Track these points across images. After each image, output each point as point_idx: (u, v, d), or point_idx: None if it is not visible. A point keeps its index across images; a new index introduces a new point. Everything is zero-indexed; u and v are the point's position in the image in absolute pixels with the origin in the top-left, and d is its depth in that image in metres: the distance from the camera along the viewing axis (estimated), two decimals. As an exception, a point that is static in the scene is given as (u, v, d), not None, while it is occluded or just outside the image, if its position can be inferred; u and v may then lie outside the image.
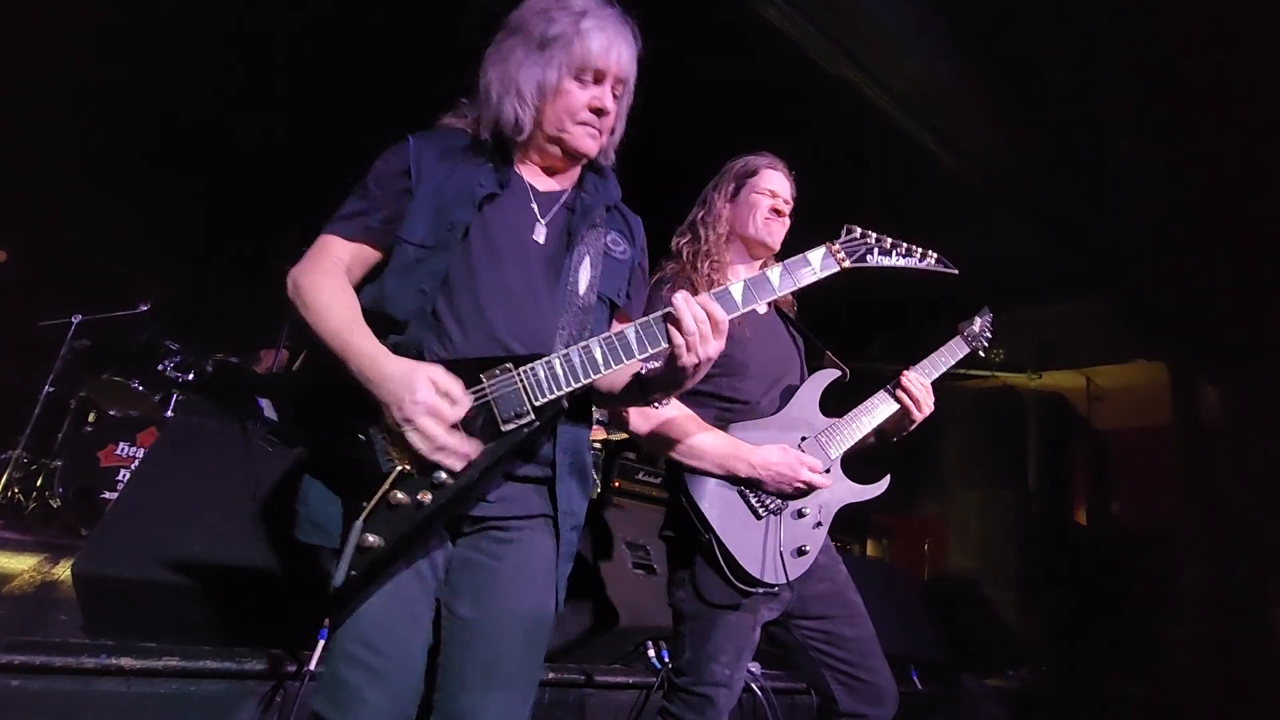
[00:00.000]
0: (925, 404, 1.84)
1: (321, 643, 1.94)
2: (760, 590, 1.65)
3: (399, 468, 1.13)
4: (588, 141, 1.34)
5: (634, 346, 1.19)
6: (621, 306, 1.41)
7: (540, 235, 1.33)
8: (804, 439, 1.77)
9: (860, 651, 1.77)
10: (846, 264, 1.39)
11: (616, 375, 1.25)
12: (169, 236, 5.84)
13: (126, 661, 1.70)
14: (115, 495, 3.74)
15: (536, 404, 1.16)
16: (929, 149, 4.69)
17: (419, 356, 1.20)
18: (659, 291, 1.77)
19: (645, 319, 1.21)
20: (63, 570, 2.85)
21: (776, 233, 1.95)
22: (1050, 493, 7.35)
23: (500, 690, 1.19)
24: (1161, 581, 6.41)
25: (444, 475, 1.12)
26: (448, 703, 1.19)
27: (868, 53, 4.06)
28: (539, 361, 1.17)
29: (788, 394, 1.86)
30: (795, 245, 1.97)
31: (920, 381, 1.85)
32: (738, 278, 1.92)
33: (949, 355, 2.01)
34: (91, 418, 4.48)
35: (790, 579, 1.67)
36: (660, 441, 1.66)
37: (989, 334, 2.13)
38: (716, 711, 1.64)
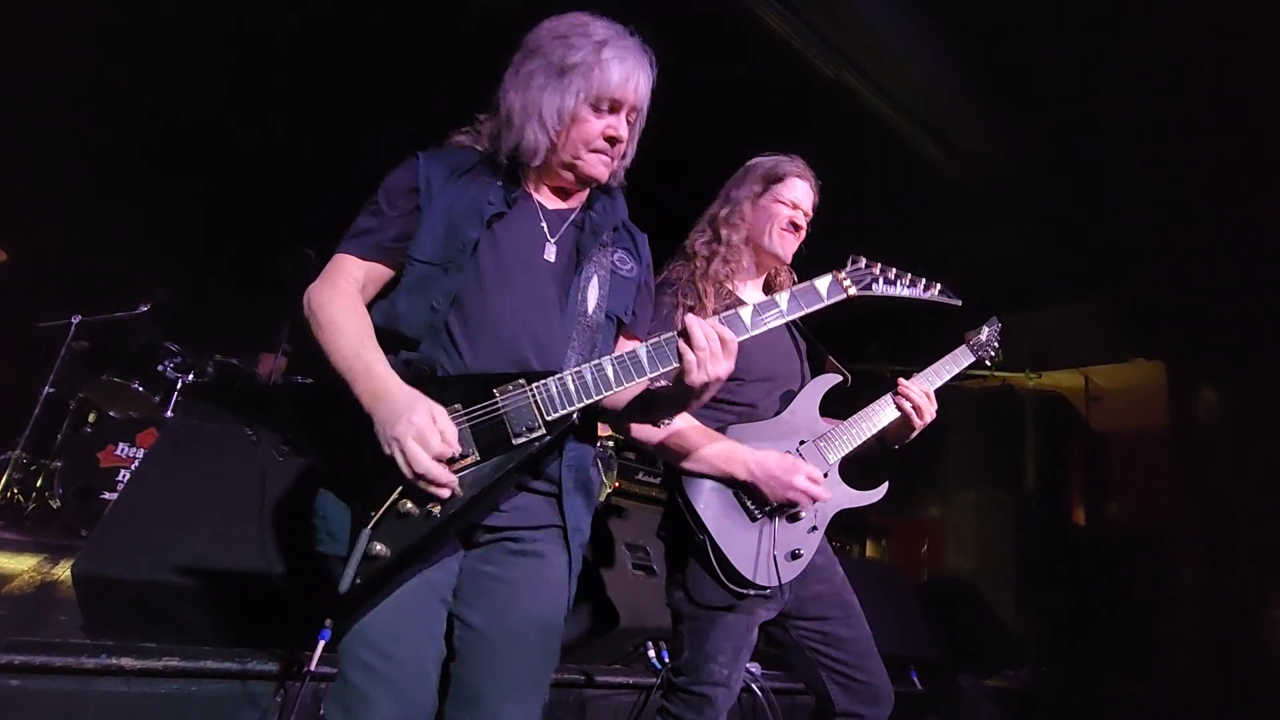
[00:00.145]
0: (926, 411, 1.82)
1: (322, 643, 1.94)
2: (752, 592, 1.65)
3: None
4: (600, 169, 1.37)
5: (645, 365, 1.21)
6: (628, 324, 1.43)
7: (550, 254, 1.35)
8: (803, 443, 1.78)
9: (857, 652, 1.78)
10: (853, 291, 1.44)
11: (622, 393, 1.27)
12: (169, 237, 5.84)
13: (127, 662, 1.70)
14: (115, 496, 3.74)
15: (549, 419, 1.18)
16: (928, 151, 4.70)
17: (431, 372, 1.22)
18: (663, 295, 1.77)
19: (657, 339, 1.23)
20: (62, 571, 2.85)
21: (790, 246, 1.94)
22: (1048, 493, 7.34)
23: (513, 701, 1.20)
24: (1160, 582, 6.40)
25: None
26: (460, 714, 1.19)
27: (867, 57, 4.06)
28: (552, 378, 1.19)
29: (788, 398, 1.86)
30: (798, 249, 1.99)
31: (921, 389, 1.84)
32: (744, 288, 1.94)
33: (953, 364, 1.99)
34: (91, 418, 4.49)
35: (783, 582, 1.67)
36: (657, 444, 1.66)
37: (996, 344, 2.11)
38: (715, 711, 1.65)
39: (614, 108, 1.34)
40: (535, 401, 1.18)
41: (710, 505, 1.67)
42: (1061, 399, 7.89)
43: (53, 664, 1.63)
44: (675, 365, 1.21)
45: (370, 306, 1.29)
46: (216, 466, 2.21)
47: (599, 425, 1.48)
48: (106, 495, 3.84)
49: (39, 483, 4.31)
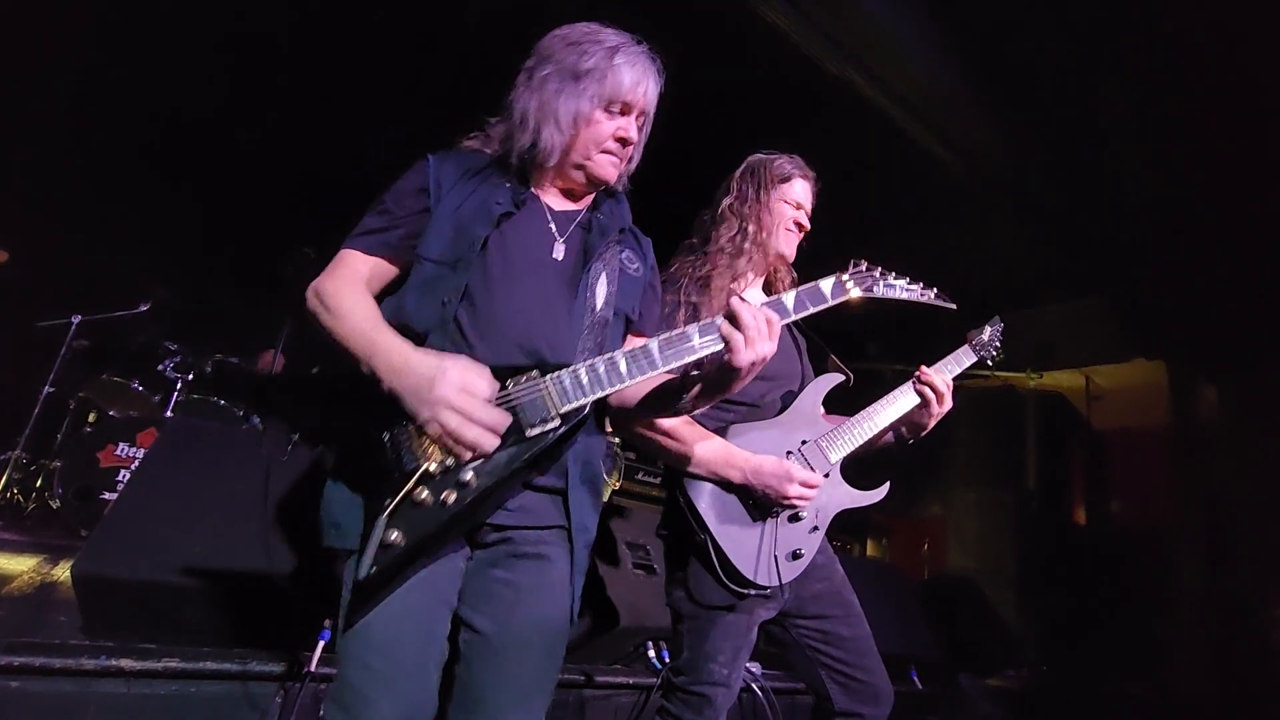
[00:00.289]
0: (946, 399, 1.83)
1: (322, 644, 1.95)
2: (753, 592, 1.65)
3: (424, 465, 1.14)
4: (610, 170, 1.41)
5: (657, 358, 1.22)
6: (635, 322, 1.45)
7: (559, 252, 1.37)
8: (804, 442, 1.77)
9: (857, 651, 1.77)
10: (856, 293, 1.48)
11: (633, 389, 1.29)
12: (169, 236, 5.83)
13: (126, 663, 1.70)
14: (115, 496, 3.74)
15: (562, 410, 1.18)
16: (930, 150, 4.69)
17: None
18: (664, 294, 1.75)
19: (675, 332, 1.24)
20: (62, 571, 2.85)
21: (794, 246, 1.96)
22: (1049, 493, 7.34)
23: (517, 707, 1.21)
24: (1160, 582, 6.40)
25: (469, 475, 1.13)
26: (466, 716, 1.19)
27: (869, 56, 4.06)
28: (565, 370, 1.20)
29: (789, 397, 1.86)
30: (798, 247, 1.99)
31: (941, 376, 1.85)
32: (747, 287, 1.94)
33: (955, 363, 1.99)
34: (91, 418, 4.50)
35: (783, 582, 1.67)
36: (653, 444, 1.66)
37: (998, 343, 2.11)
38: (714, 710, 1.65)
39: (624, 110, 1.39)
40: (548, 393, 1.18)
41: (711, 505, 1.66)
42: (1062, 399, 7.89)
43: (52, 665, 1.63)
44: (686, 360, 1.23)
45: (377, 303, 1.30)
46: (216, 466, 2.20)
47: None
48: (106, 495, 3.84)
49: (39, 483, 4.31)
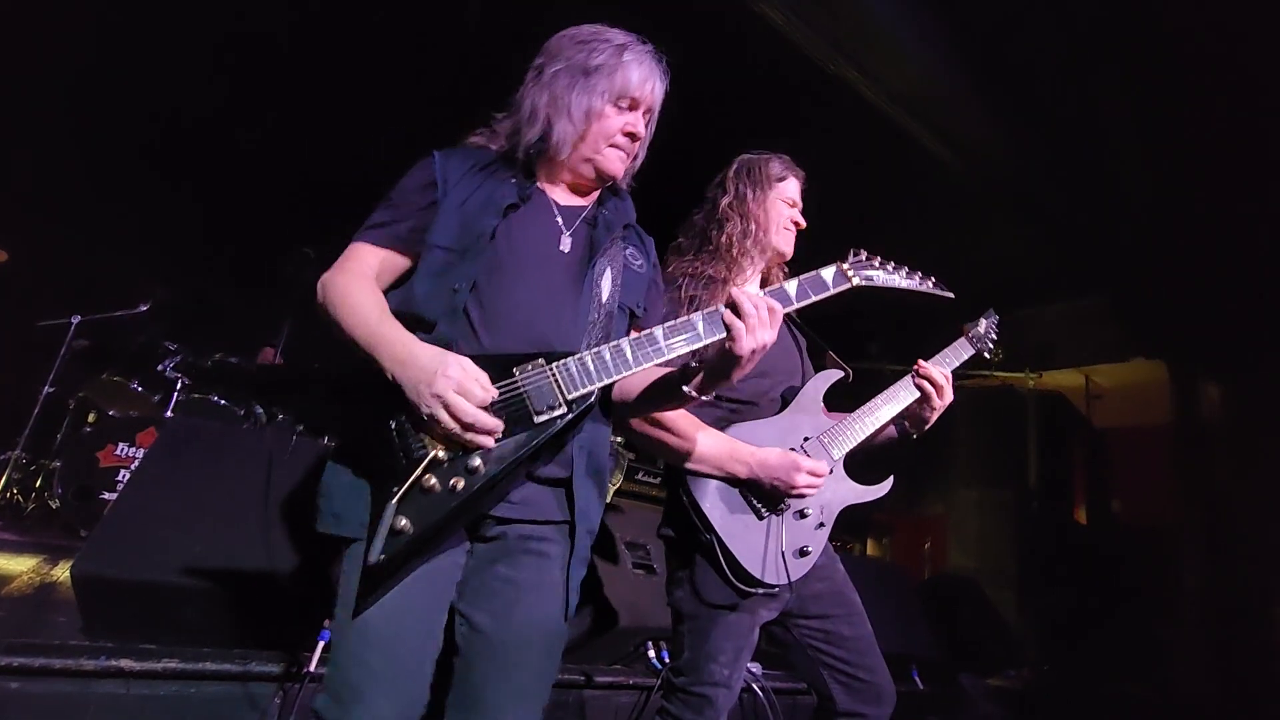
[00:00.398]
0: (946, 391, 1.84)
1: (322, 644, 1.94)
2: (761, 591, 1.64)
3: (432, 452, 1.14)
4: (618, 164, 1.45)
5: (662, 344, 1.25)
6: (639, 317, 1.47)
7: (565, 245, 1.40)
8: (806, 439, 1.77)
9: (859, 651, 1.77)
10: (856, 281, 1.51)
11: (631, 382, 1.31)
12: (169, 236, 5.84)
13: (126, 663, 1.70)
14: (115, 496, 3.74)
15: (570, 397, 1.19)
16: (929, 149, 4.69)
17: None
18: (668, 293, 1.75)
19: (680, 320, 1.28)
20: (62, 572, 2.85)
21: (792, 243, 1.98)
22: (1050, 492, 7.34)
23: (516, 704, 1.21)
24: (1161, 581, 6.40)
25: (478, 461, 1.14)
26: (462, 715, 1.19)
27: (868, 54, 4.06)
28: (571, 357, 1.21)
29: (790, 394, 1.86)
30: (797, 247, 1.99)
31: (939, 369, 1.85)
32: (747, 282, 1.93)
33: (953, 356, 2.00)
34: (91, 418, 4.49)
35: (792, 580, 1.66)
36: (656, 443, 1.66)
37: (994, 336, 2.12)
38: (715, 711, 1.64)
39: (633, 105, 1.43)
40: (556, 380, 1.19)
41: (716, 504, 1.66)
42: (1062, 398, 7.90)
43: (52, 666, 1.63)
44: (691, 348, 1.26)
45: (385, 295, 1.32)
46: (216, 466, 2.20)
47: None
48: (106, 495, 3.83)
49: (38, 483, 4.31)
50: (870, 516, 7.50)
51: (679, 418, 1.65)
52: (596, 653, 2.73)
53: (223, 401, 4.63)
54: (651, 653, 2.79)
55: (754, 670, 2.80)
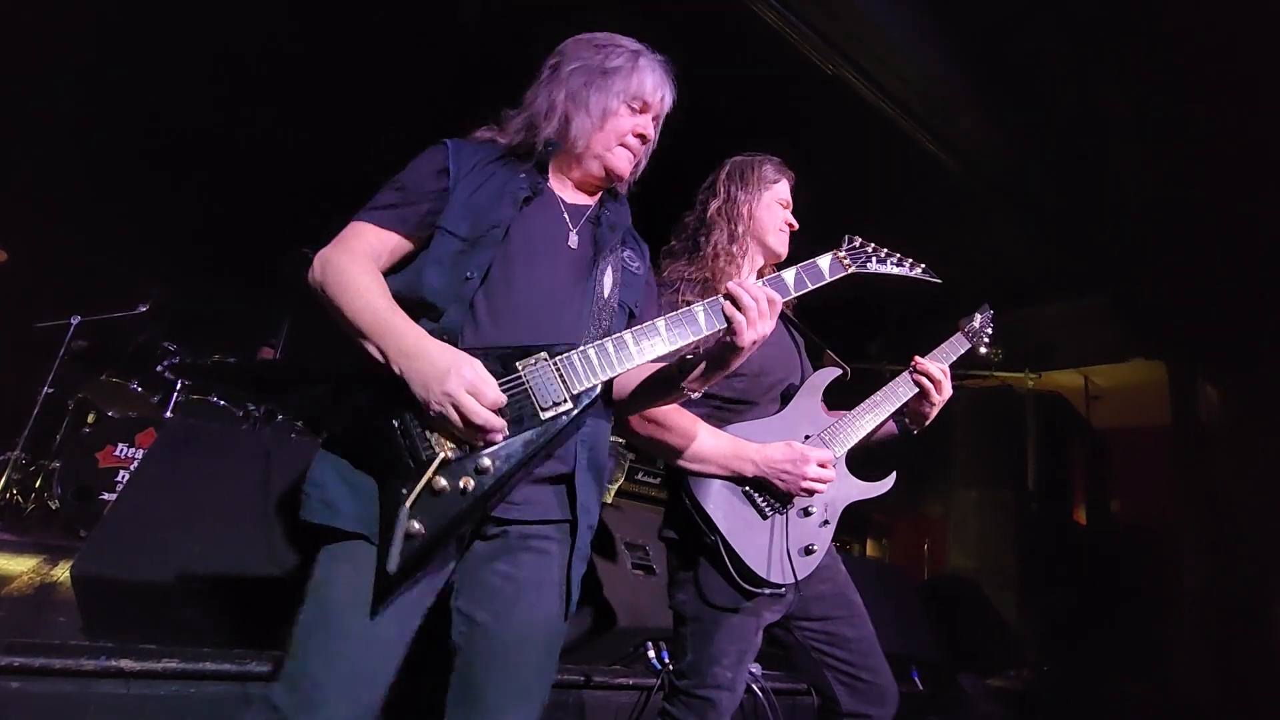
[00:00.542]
0: (945, 386, 1.84)
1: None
2: (767, 591, 1.64)
3: (441, 454, 1.13)
4: (625, 164, 1.48)
5: (664, 335, 1.27)
6: (636, 316, 1.48)
7: (573, 241, 1.42)
8: (807, 437, 1.77)
9: (861, 652, 1.77)
10: (852, 269, 1.56)
11: (629, 377, 1.34)
12: (169, 236, 5.84)
13: (126, 663, 1.69)
14: (114, 496, 3.74)
15: (574, 391, 1.19)
16: (929, 149, 4.69)
17: (454, 343, 1.21)
18: (662, 295, 1.75)
19: (680, 311, 1.30)
20: (62, 572, 2.85)
21: (786, 244, 1.98)
22: (1049, 492, 7.35)
23: (520, 700, 1.20)
24: (1161, 581, 6.40)
25: (487, 460, 1.13)
26: (463, 713, 1.18)
27: (866, 55, 4.06)
28: (574, 350, 1.22)
29: (789, 393, 1.85)
30: (796, 248, 2.00)
31: (937, 365, 1.86)
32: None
33: (950, 351, 2.02)
34: (90, 419, 4.49)
35: (798, 578, 1.66)
36: (660, 445, 1.65)
37: (989, 330, 2.14)
38: (718, 714, 1.63)
39: (644, 109, 1.48)
40: (559, 374, 1.20)
41: (720, 505, 1.65)
42: (1062, 398, 7.90)
43: (52, 666, 1.62)
44: (693, 339, 1.29)
45: (387, 276, 1.29)
46: (216, 467, 2.20)
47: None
48: (105, 496, 3.83)
49: (38, 483, 4.31)
50: (869, 517, 7.51)
51: (680, 418, 1.65)
52: (596, 653, 2.73)
53: (222, 402, 4.64)
54: (651, 653, 2.79)
55: (754, 671, 2.80)
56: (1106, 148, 4.92)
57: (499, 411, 1.14)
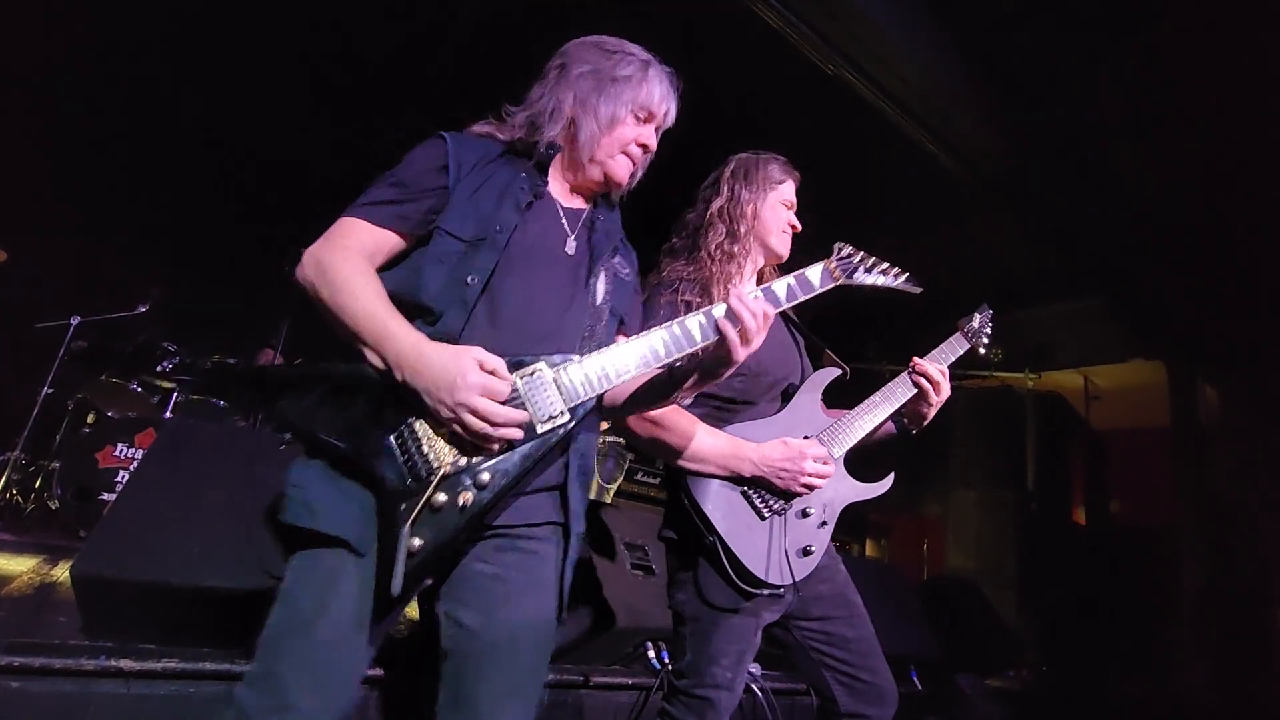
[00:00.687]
0: (943, 387, 1.85)
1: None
2: (765, 592, 1.64)
3: (441, 470, 1.11)
4: (624, 172, 1.48)
5: (660, 349, 1.27)
6: (626, 323, 1.49)
7: (571, 247, 1.41)
8: (806, 437, 1.77)
9: (861, 652, 1.77)
10: (841, 280, 1.57)
11: (627, 385, 1.33)
12: (169, 236, 5.84)
13: (126, 663, 1.69)
14: (114, 497, 3.73)
15: (571, 404, 1.19)
16: (929, 150, 4.69)
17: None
18: (661, 295, 1.75)
19: (676, 321, 1.30)
20: (61, 572, 2.85)
21: (789, 246, 1.97)
22: (1049, 493, 7.34)
23: (513, 700, 1.19)
24: (1161, 581, 6.41)
25: (486, 475, 1.12)
26: (454, 715, 1.17)
27: (866, 55, 4.06)
28: (570, 363, 1.21)
29: (789, 393, 1.86)
30: (794, 247, 2.00)
31: (935, 365, 1.86)
32: (743, 283, 1.93)
33: (949, 351, 2.01)
34: (90, 419, 4.49)
35: (796, 579, 1.66)
36: (659, 444, 1.65)
37: (989, 330, 2.13)
38: (717, 714, 1.63)
39: (649, 119, 1.48)
40: (556, 387, 1.19)
41: (718, 505, 1.65)
42: (1061, 399, 7.89)
43: (52, 666, 1.63)
44: (690, 349, 1.29)
45: (381, 273, 1.27)
46: (215, 467, 2.20)
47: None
48: (105, 496, 3.84)
49: (38, 483, 4.31)
50: (868, 517, 7.51)
51: (679, 418, 1.65)
52: (595, 653, 2.72)
53: (221, 402, 4.64)
54: (651, 653, 2.79)
55: (753, 671, 2.80)
56: (1106, 148, 4.92)
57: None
